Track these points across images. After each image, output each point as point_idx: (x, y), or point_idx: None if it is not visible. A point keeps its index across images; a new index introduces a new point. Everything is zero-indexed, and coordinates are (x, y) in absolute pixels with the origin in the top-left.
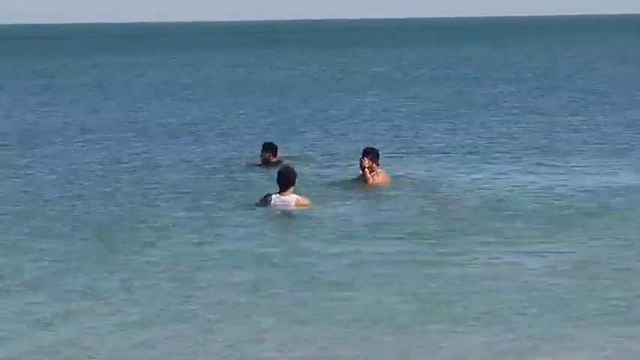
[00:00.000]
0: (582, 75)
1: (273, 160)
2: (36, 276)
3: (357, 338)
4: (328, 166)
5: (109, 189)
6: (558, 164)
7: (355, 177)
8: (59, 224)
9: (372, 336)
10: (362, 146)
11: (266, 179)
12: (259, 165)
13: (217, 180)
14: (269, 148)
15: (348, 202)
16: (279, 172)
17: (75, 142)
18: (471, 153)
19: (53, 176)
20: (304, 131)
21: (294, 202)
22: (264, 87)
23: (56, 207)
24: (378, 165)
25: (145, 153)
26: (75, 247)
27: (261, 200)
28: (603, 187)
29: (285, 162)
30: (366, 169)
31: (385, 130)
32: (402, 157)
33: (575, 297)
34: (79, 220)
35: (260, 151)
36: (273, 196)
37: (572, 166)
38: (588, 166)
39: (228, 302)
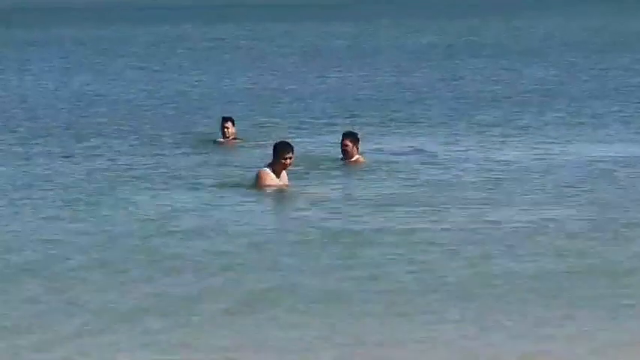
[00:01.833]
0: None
1: (230, 131)
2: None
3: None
4: (307, 143)
5: (87, 165)
6: (525, 136)
7: (335, 156)
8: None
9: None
10: (335, 120)
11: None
12: (221, 141)
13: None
14: (227, 119)
15: (330, 179)
16: None
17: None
18: (447, 125)
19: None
20: (280, 105)
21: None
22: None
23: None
24: (357, 149)
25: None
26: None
27: None
28: (590, 158)
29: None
30: (347, 152)
31: (361, 104)
32: (386, 129)
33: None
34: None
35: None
36: None
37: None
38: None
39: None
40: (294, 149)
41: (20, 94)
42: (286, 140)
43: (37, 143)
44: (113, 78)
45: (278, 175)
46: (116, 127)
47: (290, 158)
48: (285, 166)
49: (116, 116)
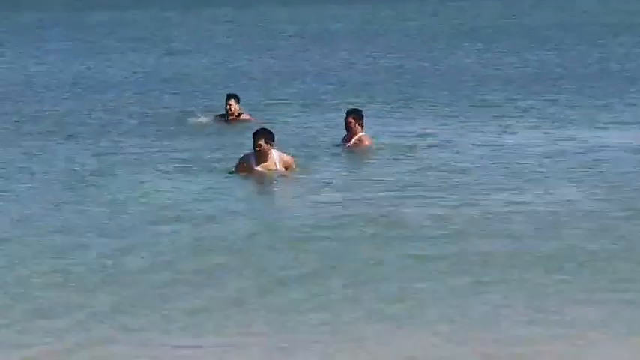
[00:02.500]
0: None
1: (234, 110)
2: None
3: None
4: (310, 124)
5: (77, 144)
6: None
7: (337, 139)
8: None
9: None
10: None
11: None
12: (221, 117)
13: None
14: (231, 97)
15: (330, 162)
16: None
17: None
18: (451, 108)
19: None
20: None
21: None
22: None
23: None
24: (362, 127)
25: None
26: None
27: None
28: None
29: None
30: (351, 128)
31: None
32: (390, 112)
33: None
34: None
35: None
36: None
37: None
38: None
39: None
40: (272, 136)
41: (23, 76)
42: (261, 127)
43: (39, 125)
44: (115, 61)
45: (259, 161)
46: (118, 109)
47: (259, 145)
48: (258, 153)
49: (120, 99)
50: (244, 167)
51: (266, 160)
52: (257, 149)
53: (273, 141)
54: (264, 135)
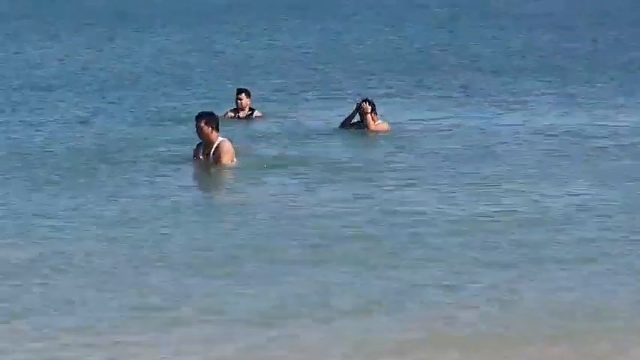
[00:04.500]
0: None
1: (244, 102)
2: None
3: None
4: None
5: (64, 142)
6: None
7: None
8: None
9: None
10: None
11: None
12: (232, 111)
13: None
14: (241, 91)
15: (349, 146)
16: None
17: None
18: (465, 94)
19: None
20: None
21: None
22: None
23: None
24: (376, 114)
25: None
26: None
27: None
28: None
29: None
30: (368, 115)
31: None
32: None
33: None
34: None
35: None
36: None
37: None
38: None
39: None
40: (215, 119)
41: (28, 61)
42: (204, 111)
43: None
44: (124, 49)
45: (205, 146)
46: (120, 98)
47: (200, 128)
48: (200, 136)
49: (122, 86)
50: (197, 153)
51: (212, 144)
52: (198, 131)
53: (217, 125)
54: (204, 118)
